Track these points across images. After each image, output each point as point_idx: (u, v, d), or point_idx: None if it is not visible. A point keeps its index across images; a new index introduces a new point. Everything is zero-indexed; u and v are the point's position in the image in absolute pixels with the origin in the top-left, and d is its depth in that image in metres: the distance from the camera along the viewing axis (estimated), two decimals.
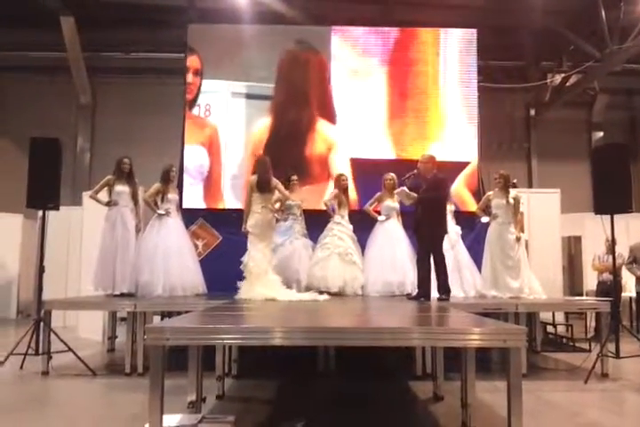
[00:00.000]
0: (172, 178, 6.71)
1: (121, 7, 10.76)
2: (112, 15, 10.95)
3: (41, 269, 6.16)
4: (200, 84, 8.41)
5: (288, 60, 8.45)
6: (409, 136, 8.40)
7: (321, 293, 6.34)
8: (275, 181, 6.26)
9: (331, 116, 8.39)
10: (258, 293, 5.86)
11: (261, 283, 5.99)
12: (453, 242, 6.96)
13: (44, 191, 6.07)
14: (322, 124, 8.37)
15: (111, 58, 12.06)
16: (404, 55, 8.54)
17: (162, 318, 6.98)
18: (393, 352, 6.17)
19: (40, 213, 6.34)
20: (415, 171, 6.13)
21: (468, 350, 3.89)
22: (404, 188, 6.14)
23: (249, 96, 8.45)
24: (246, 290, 5.96)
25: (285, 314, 4.50)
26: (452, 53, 8.54)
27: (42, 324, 5.63)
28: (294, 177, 7.39)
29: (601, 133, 13.00)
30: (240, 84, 8.45)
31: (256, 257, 6.11)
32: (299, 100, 8.40)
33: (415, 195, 6.05)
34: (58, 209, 6.28)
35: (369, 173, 7.96)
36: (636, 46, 9.43)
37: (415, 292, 6.23)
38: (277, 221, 6.99)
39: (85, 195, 8.09)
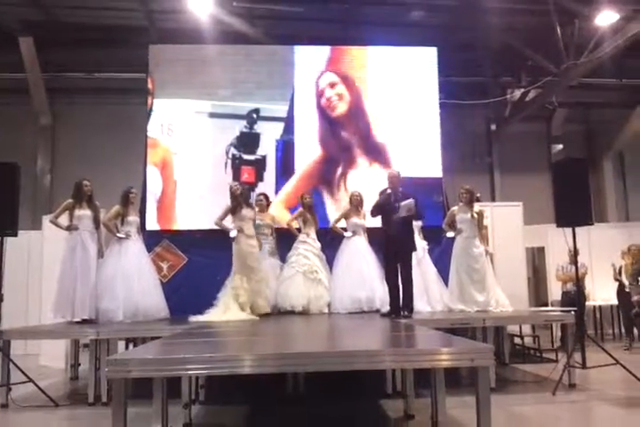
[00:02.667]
0: (131, 200, 6.58)
1: (81, 27, 10.64)
2: (72, 36, 10.82)
3: None
4: (151, 104, 8.34)
5: None
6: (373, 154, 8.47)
7: (287, 312, 6.54)
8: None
9: None
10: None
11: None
12: (420, 257, 6.99)
13: (1, 218, 5.87)
14: None
15: (71, 78, 11.83)
16: (363, 73, 8.64)
17: (127, 345, 6.82)
18: (363, 371, 6.13)
19: None
20: (390, 186, 6.17)
21: (438, 369, 3.90)
22: (412, 200, 5.97)
23: (213, 115, 8.42)
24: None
25: (253, 339, 4.43)
26: (412, 71, 8.66)
27: (0, 354, 5.43)
28: (260, 196, 7.36)
29: (560, 146, 13.27)
30: (203, 102, 8.41)
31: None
32: None
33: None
34: (16, 235, 6.06)
35: None
36: (592, 61, 9.69)
37: (385, 308, 6.24)
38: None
39: (45, 218, 7.89)
